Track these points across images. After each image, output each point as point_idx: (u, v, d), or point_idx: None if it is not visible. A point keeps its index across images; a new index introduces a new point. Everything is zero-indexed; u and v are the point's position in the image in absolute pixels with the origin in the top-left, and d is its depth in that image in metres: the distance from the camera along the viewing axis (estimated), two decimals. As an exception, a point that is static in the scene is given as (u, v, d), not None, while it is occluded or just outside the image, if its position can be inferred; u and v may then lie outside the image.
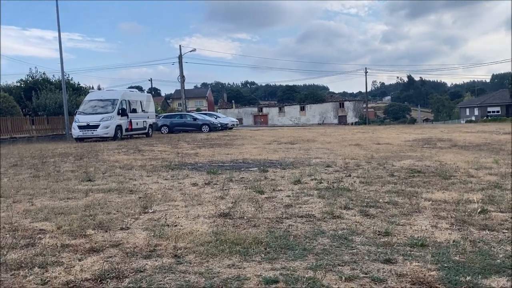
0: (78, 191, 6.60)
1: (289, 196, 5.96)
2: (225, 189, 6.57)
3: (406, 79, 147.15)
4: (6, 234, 4.16)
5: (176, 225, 4.46)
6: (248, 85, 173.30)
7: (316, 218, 4.69)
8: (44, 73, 32.83)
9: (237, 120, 44.17)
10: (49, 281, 2.99)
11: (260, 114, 77.77)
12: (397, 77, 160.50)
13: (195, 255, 3.47)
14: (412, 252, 3.49)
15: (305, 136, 22.02)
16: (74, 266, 3.25)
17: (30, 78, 32.31)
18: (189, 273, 3.09)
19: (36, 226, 4.47)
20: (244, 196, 5.98)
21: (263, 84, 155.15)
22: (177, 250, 3.60)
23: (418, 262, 3.25)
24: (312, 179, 7.39)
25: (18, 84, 32.51)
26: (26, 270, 3.18)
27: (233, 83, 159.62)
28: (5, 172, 9.29)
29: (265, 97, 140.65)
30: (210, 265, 3.26)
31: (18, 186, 7.26)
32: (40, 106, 28.32)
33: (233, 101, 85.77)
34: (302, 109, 75.84)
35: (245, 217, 4.74)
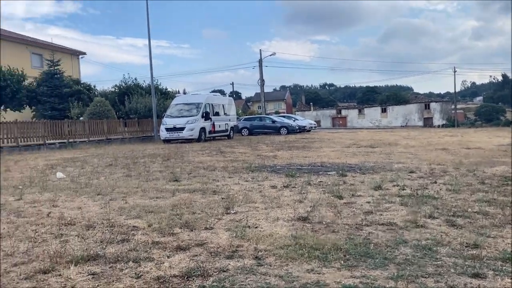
0: (166, 191, 7.04)
1: (369, 202, 5.84)
2: (304, 193, 6.61)
3: (500, 78, 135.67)
4: (105, 230, 4.58)
5: (256, 227, 4.60)
6: (326, 87, 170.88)
7: (398, 226, 4.56)
8: (135, 79, 35.26)
9: (315, 123, 43.91)
10: (142, 275, 3.26)
11: (339, 116, 76.41)
12: (490, 76, 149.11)
13: (275, 258, 3.56)
14: (504, 267, 3.28)
15: (386, 139, 21.28)
16: (163, 263, 3.50)
17: (123, 84, 34.92)
18: (269, 276, 3.19)
19: (130, 223, 4.87)
20: (323, 200, 5.97)
21: (342, 86, 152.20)
22: (258, 252, 3.73)
23: (510, 279, 3.05)
24: (394, 185, 7.17)
25: (113, 90, 35.28)
26: (122, 264, 3.49)
27: (312, 85, 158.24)
28: (102, 171, 10.16)
29: (344, 99, 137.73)
30: (289, 268, 3.33)
31: (113, 184, 7.91)
32: (132, 110, 30.47)
33: (311, 103, 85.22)
34: (384, 111, 73.17)
35: (324, 222, 4.74)
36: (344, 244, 3.87)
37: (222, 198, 6.30)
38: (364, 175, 8.60)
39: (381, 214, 5.11)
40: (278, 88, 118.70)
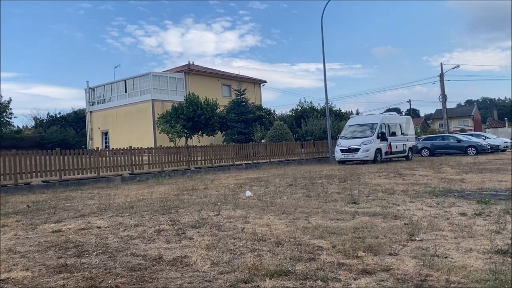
0: (345, 213, 7.14)
1: None
2: (501, 223, 5.90)
3: None
4: (293, 247, 4.92)
5: (446, 257, 4.32)
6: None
7: None
8: (311, 102, 36.90)
9: (511, 141, 38.38)
10: (330, 294, 3.41)
11: (543, 132, 65.03)
12: None
13: (470, 293, 3.31)
14: None
15: None
16: (350, 284, 3.60)
17: (299, 108, 36.82)
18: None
19: (315, 243, 5.11)
20: (527, 232, 5.24)
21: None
22: (450, 283, 3.51)
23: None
24: None
25: (290, 114, 37.47)
26: (311, 282, 3.71)
27: (505, 98, 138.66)
28: (283, 191, 10.85)
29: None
30: (489, 306, 3.05)
31: (295, 204, 8.39)
32: (308, 132, 31.78)
33: (505, 118, 74.71)
34: None
35: (530, 258, 4.17)
36: (559, 285, 3.35)
37: (405, 224, 6.08)
38: None
39: None
40: (463, 103, 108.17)
